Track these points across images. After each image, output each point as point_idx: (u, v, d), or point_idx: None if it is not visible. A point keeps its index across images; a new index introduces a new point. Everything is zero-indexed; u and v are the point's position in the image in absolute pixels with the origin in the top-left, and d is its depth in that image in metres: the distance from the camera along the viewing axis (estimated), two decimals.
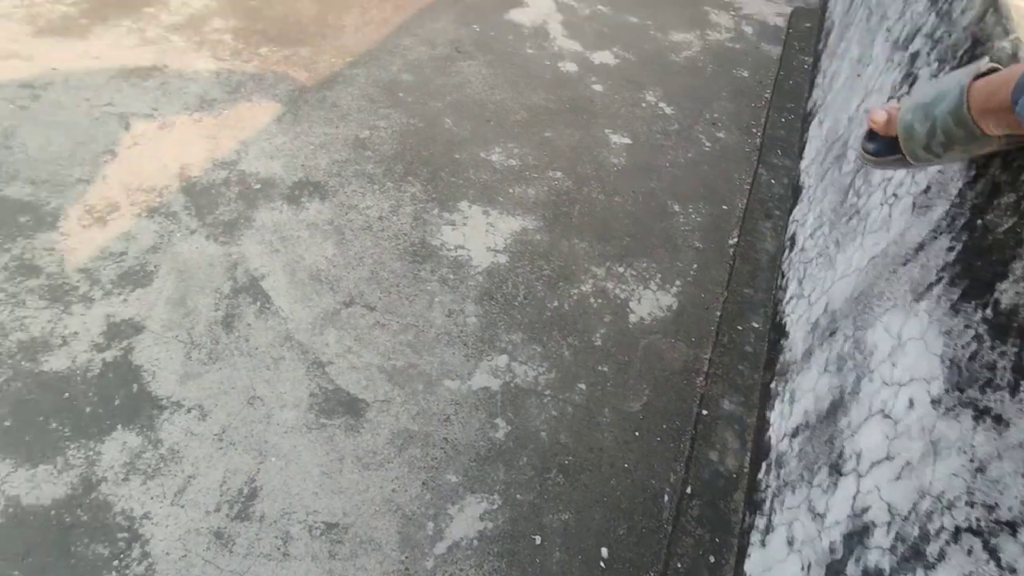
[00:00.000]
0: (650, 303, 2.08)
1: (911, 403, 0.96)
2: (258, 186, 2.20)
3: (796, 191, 2.41)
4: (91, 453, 1.50)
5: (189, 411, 1.60)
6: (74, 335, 1.71)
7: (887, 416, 1.03)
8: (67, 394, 1.59)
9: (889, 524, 0.91)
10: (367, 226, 2.13)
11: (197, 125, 2.39)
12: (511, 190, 2.37)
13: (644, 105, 2.92)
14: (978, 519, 0.73)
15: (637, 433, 1.75)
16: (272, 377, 1.70)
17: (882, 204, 1.43)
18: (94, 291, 1.82)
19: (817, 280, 1.73)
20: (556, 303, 2.02)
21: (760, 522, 1.44)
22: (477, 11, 3.32)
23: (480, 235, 2.18)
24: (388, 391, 1.72)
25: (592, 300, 2.06)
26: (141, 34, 2.78)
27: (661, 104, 2.95)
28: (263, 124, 2.44)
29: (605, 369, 1.88)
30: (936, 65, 1.44)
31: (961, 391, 0.84)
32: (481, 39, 3.13)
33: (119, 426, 1.55)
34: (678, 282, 2.17)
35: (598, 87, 2.97)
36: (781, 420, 1.58)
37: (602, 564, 1.49)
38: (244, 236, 2.03)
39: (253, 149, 2.33)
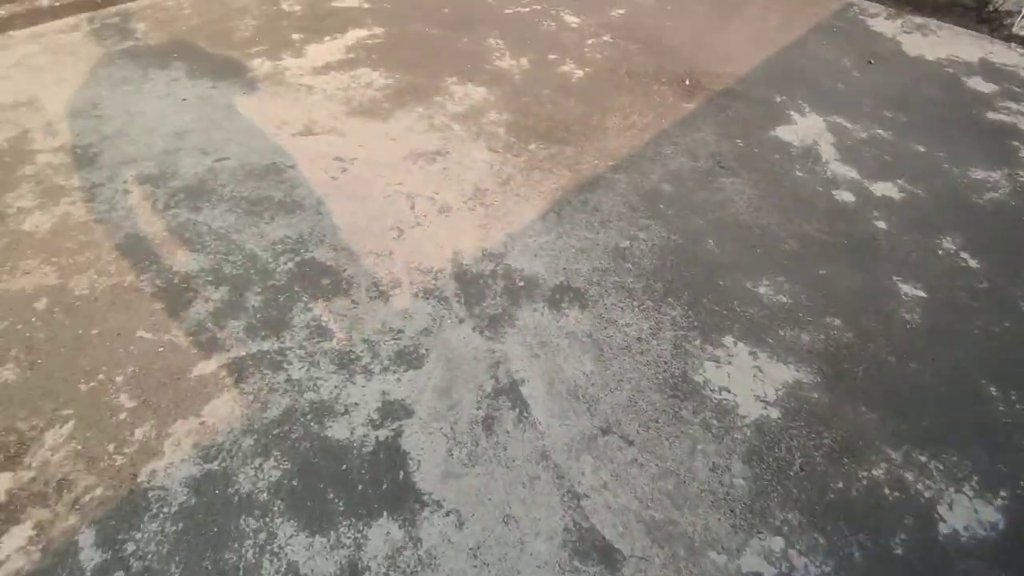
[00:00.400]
0: (966, 513, 1.72)
1: None
2: (522, 283, 2.30)
3: None
4: (359, 536, 1.58)
5: (448, 514, 1.63)
6: (355, 406, 1.87)
7: None
8: (345, 466, 1.72)
9: None
10: (626, 346, 2.09)
11: (471, 213, 2.62)
12: (782, 332, 2.19)
13: (940, 253, 2.59)
14: None
15: None
16: (527, 497, 1.68)
17: None
18: (374, 364, 1.99)
19: None
20: (840, 484, 1.76)
21: None
22: (740, 124, 3.30)
23: (747, 379, 2.02)
24: (646, 547, 1.59)
25: (887, 491, 1.76)
26: (430, 121, 3.19)
27: (963, 254, 2.58)
28: (529, 220, 2.59)
29: None
30: None
31: None
32: (744, 155, 3.07)
33: (385, 513, 1.63)
34: (1004, 492, 1.78)
35: (881, 224, 2.71)
36: None
37: None
38: (507, 334, 2.11)
39: (519, 244, 2.47)
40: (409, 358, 2.02)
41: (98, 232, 2.41)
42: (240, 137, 2.98)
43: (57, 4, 3.85)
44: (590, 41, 4.06)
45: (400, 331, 2.10)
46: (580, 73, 3.68)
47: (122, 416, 1.81)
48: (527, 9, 4.47)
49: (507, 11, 4.44)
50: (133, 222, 2.46)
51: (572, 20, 4.35)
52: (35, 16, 3.77)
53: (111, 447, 1.73)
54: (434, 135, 3.09)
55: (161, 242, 2.38)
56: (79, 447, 1.72)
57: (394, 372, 1.97)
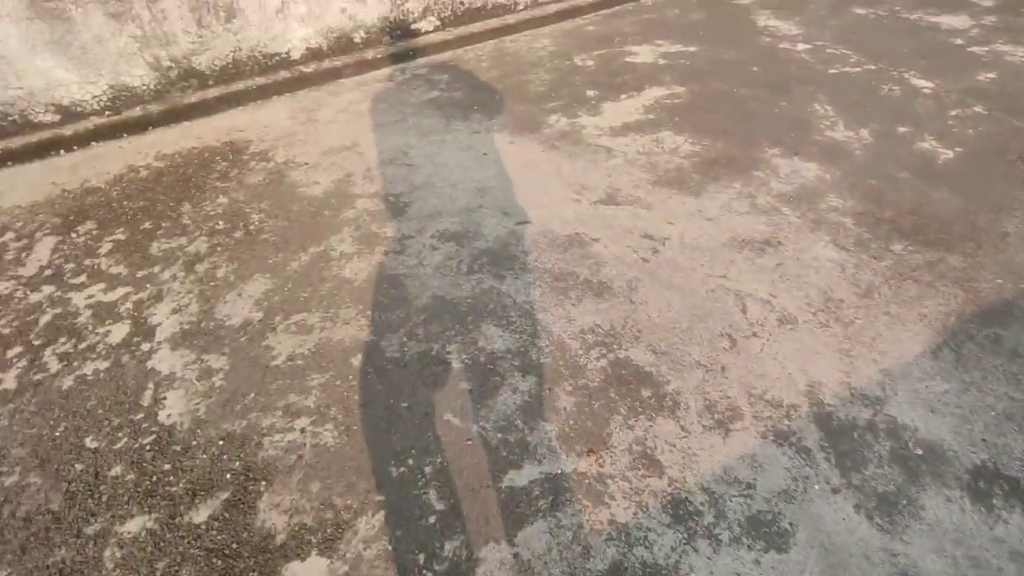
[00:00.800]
0: None
1: None
2: (919, 451, 1.74)
3: None
4: None
5: None
6: None
7: None
8: None
9: None
10: None
11: (822, 330, 2.13)
12: None
13: None
14: None
15: None
16: None
17: None
18: (720, 528, 1.60)
19: None
20: None
21: None
22: None
23: None
24: None
25: None
26: (752, 200, 2.80)
27: None
28: (912, 354, 2.02)
29: None
30: None
31: None
32: None
33: None
34: None
35: None
36: None
37: None
38: (911, 529, 1.57)
39: (902, 388, 1.92)
40: (767, 531, 1.59)
41: (408, 288, 2.44)
42: (540, 199, 2.91)
43: (379, 56, 4.34)
44: (954, 112, 3.33)
45: (750, 486, 1.69)
46: (948, 154, 3.00)
47: (431, 520, 1.67)
48: (858, 69, 3.90)
49: (831, 71, 3.92)
50: (440, 282, 2.46)
51: (923, 84, 3.67)
52: (360, 66, 4.29)
53: (421, 557, 1.59)
54: (759, 219, 2.68)
55: (466, 310, 2.32)
56: (389, 547, 1.61)
57: (749, 547, 1.56)
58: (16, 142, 3.46)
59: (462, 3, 4.64)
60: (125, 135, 3.67)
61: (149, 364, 2.19)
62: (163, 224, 2.88)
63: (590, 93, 3.84)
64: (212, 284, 2.51)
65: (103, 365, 2.19)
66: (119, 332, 2.32)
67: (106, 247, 2.76)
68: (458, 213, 2.85)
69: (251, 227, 2.83)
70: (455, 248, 2.64)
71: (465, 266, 2.54)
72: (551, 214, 2.80)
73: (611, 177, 3.03)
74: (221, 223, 2.86)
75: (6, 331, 2.35)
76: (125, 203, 3.05)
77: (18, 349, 2.27)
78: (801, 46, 4.31)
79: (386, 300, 2.39)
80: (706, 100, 3.66)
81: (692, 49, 4.37)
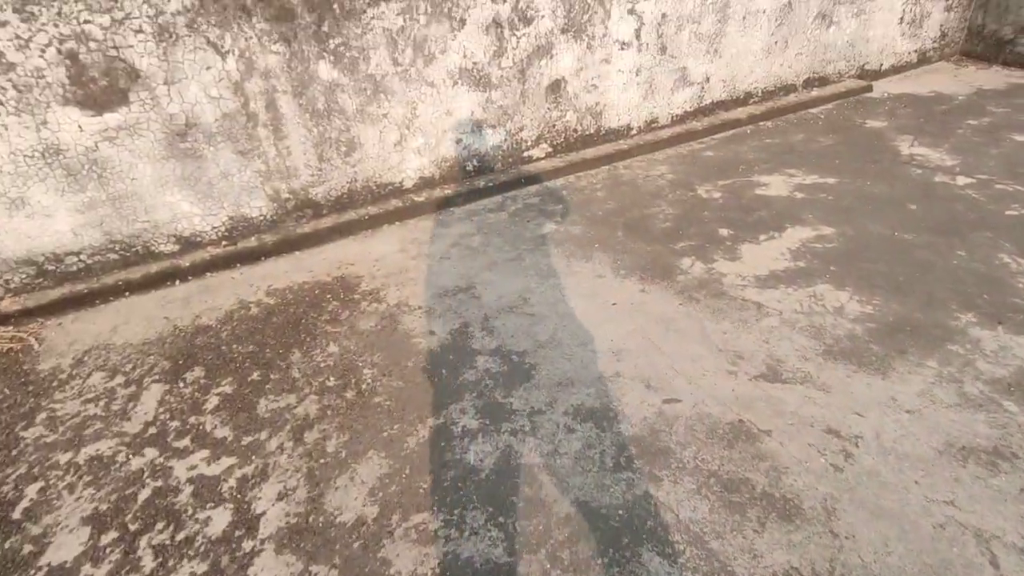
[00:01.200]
0: None
1: None
2: None
3: None
4: None
5: None
6: None
7: None
8: None
9: None
10: None
11: None
12: None
13: None
14: None
15: None
16: None
17: None
18: None
19: None
20: None
21: None
22: None
23: None
24: None
25: None
26: (958, 387, 2.33)
27: None
28: None
29: None
30: None
31: None
32: None
33: None
34: None
35: None
36: None
37: None
38: None
39: None
40: None
41: (545, 486, 2.10)
42: (687, 369, 2.55)
43: (490, 184, 4.28)
44: None
45: None
46: None
47: None
48: None
49: (1009, 212, 3.47)
50: (582, 481, 2.10)
51: None
52: (472, 194, 4.23)
53: None
54: (976, 415, 2.20)
55: (619, 526, 1.94)
56: None
57: None
58: (136, 272, 3.51)
59: (575, 130, 4.59)
60: (239, 265, 3.67)
61: (250, 572, 1.91)
62: (271, 376, 2.73)
63: (723, 232, 3.55)
64: (322, 461, 2.27)
65: (200, 568, 1.93)
66: (220, 520, 2.08)
67: (212, 401, 2.61)
68: (593, 383, 2.53)
69: (363, 386, 2.62)
70: (595, 432, 2.30)
71: (610, 459, 2.18)
72: (703, 391, 2.44)
73: (768, 343, 2.65)
74: (332, 379, 2.67)
75: (103, 507, 2.17)
76: (234, 347, 2.94)
77: (113, 535, 2.07)
78: (962, 180, 3.90)
79: (520, 503, 2.05)
80: (863, 246, 3.28)
81: (831, 181, 4.05)
